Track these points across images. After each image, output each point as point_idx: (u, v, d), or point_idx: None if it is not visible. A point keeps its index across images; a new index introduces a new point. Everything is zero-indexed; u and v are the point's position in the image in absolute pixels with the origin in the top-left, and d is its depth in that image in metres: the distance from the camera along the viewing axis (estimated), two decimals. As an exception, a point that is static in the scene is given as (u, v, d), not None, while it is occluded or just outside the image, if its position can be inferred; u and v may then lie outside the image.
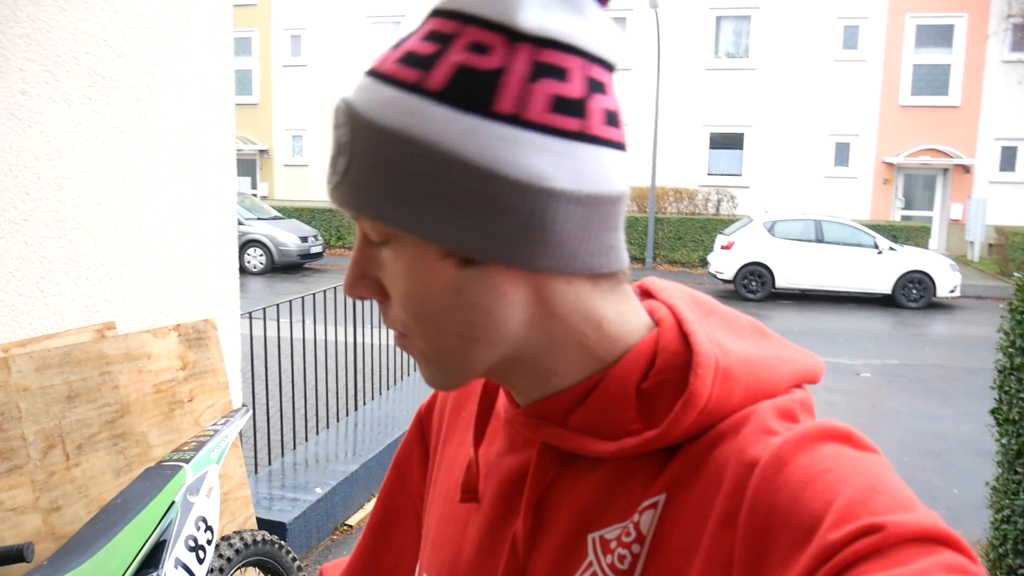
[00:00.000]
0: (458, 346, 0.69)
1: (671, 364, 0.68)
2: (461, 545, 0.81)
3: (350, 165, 0.66)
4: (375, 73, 0.67)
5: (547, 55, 0.63)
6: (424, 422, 0.98)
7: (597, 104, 0.65)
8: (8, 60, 2.89)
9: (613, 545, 0.68)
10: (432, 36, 0.65)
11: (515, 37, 0.63)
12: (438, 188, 0.63)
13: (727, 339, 0.70)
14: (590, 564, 0.69)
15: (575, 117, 0.64)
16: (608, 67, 0.67)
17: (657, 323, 0.72)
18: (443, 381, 0.73)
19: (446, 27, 0.65)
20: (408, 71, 0.64)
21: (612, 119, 0.66)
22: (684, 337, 0.69)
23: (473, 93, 0.62)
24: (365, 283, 0.71)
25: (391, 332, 0.74)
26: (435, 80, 0.63)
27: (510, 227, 0.64)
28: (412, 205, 0.64)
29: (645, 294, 0.79)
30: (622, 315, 0.71)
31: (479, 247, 0.64)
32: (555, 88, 0.63)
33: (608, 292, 0.70)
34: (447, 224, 0.64)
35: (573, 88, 0.64)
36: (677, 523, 0.65)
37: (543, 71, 0.63)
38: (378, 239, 0.68)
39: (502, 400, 0.80)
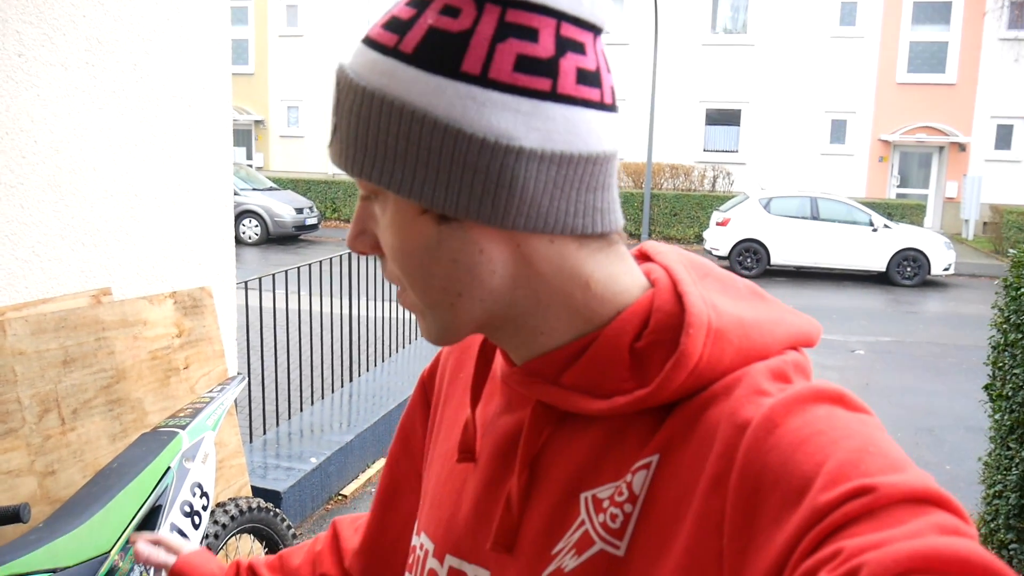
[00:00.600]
0: (444, 301, 0.71)
1: (665, 324, 0.69)
2: (458, 504, 0.81)
3: (338, 125, 0.69)
4: (365, 39, 0.70)
5: (515, 15, 0.64)
6: (427, 386, 0.99)
7: (570, 63, 0.66)
8: (5, 22, 2.86)
9: (606, 504, 0.69)
10: (413, 1, 0.68)
11: None
12: (409, 146, 0.65)
13: (722, 300, 0.71)
14: (582, 523, 0.70)
15: (544, 76, 0.65)
16: (588, 27, 0.68)
17: (652, 284, 0.73)
18: (437, 335, 0.75)
19: None
20: (388, 35, 0.67)
21: (589, 78, 0.67)
22: (679, 298, 0.70)
23: (441, 54, 0.64)
24: (364, 238, 0.74)
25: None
26: (408, 43, 0.66)
27: (478, 185, 0.65)
28: (388, 163, 0.66)
29: (644, 257, 0.79)
30: (612, 276, 0.72)
31: (450, 204, 0.66)
32: (522, 48, 0.64)
33: (597, 252, 0.71)
34: (419, 182, 0.66)
35: (542, 48, 0.65)
36: (669, 484, 0.65)
37: (511, 31, 0.64)
38: (366, 194, 0.72)
39: (499, 360, 0.81)
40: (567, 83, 0.65)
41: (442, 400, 0.93)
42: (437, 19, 0.65)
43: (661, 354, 0.68)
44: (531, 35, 0.64)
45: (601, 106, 0.68)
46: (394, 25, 0.67)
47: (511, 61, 0.64)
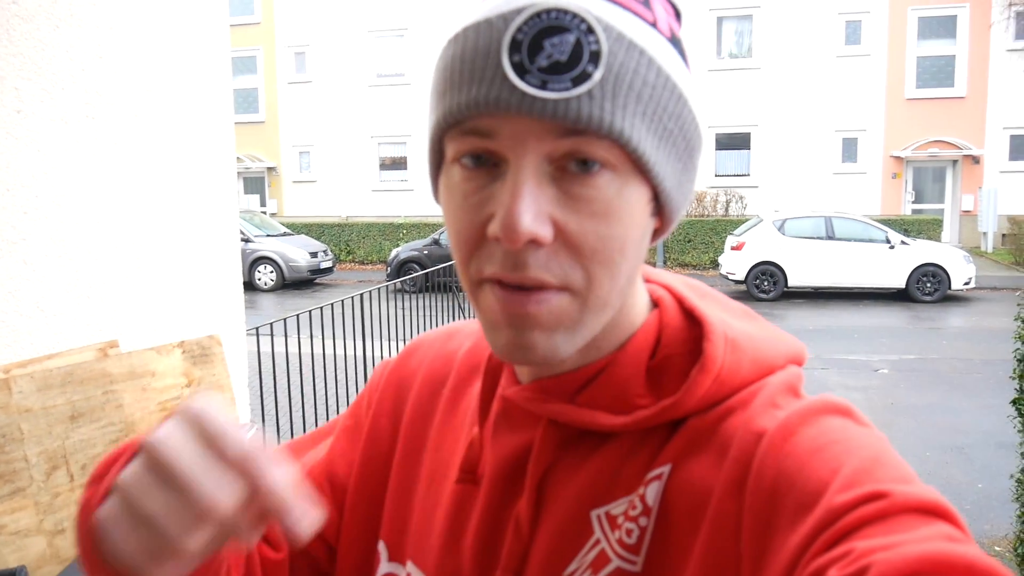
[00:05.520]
0: (614, 302, 0.67)
1: (675, 339, 0.71)
2: (456, 530, 0.78)
3: (606, 79, 0.59)
4: None
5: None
6: (397, 378, 0.93)
7: None
8: (2, 79, 2.86)
9: (620, 520, 0.68)
10: None
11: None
12: (681, 130, 0.65)
13: (725, 317, 0.73)
14: (597, 541, 0.69)
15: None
16: None
17: (656, 302, 0.74)
18: (563, 346, 0.66)
19: None
20: (637, 4, 0.63)
21: None
22: (685, 314, 0.72)
23: (684, 48, 0.66)
24: (544, 219, 0.61)
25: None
26: (662, 25, 0.64)
27: (692, 187, 0.69)
28: (662, 141, 0.63)
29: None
30: (636, 294, 0.73)
31: (677, 200, 0.67)
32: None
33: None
34: (681, 168, 0.66)
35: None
36: (683, 493, 0.66)
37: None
38: (600, 163, 0.61)
39: (504, 378, 0.79)
40: None
41: (419, 417, 0.87)
42: (659, 11, 0.65)
43: (675, 368, 0.70)
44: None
45: None
46: None
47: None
